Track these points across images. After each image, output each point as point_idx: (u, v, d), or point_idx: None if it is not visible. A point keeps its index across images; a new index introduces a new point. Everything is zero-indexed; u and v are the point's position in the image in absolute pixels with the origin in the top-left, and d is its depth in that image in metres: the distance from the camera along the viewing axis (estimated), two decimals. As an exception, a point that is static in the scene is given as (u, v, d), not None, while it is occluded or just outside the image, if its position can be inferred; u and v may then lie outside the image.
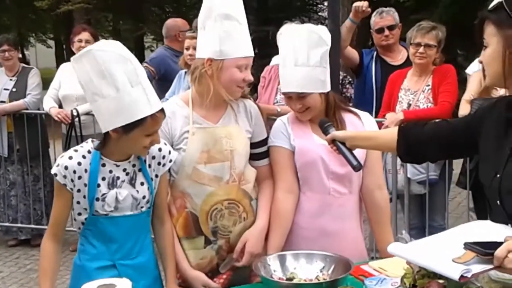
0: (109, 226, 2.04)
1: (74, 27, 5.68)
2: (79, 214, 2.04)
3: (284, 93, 2.34)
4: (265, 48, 5.12)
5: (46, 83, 5.41)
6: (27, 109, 5.14)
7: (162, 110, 1.99)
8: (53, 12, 14.55)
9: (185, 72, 4.30)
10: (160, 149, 2.12)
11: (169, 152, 2.15)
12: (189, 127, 2.22)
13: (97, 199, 2.00)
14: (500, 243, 1.44)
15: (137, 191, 2.06)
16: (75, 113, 4.67)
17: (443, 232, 1.72)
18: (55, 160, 2.06)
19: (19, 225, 5.27)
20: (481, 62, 1.70)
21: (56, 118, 4.85)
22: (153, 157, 2.12)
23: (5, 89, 5.19)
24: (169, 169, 2.19)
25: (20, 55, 5.52)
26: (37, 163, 5.25)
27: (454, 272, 1.42)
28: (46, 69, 15.54)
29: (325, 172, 2.29)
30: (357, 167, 2.09)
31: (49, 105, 4.93)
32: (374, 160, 2.38)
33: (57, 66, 14.39)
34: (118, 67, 1.90)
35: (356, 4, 4.15)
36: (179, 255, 2.23)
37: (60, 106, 4.94)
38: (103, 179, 2.02)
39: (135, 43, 18.09)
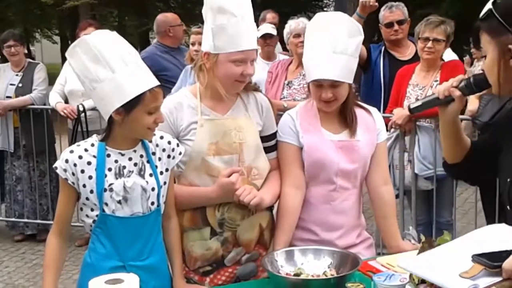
0: (119, 226, 2.02)
1: (80, 23, 5.68)
2: (92, 210, 2.03)
3: (316, 81, 2.22)
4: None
5: (51, 78, 5.42)
6: (33, 104, 5.15)
7: (160, 86, 2.00)
8: (58, 8, 14.57)
9: (191, 68, 4.29)
10: (169, 142, 2.12)
11: (177, 145, 2.15)
12: (198, 118, 2.21)
13: (105, 190, 1.99)
14: (510, 252, 1.40)
15: (147, 182, 2.04)
16: (81, 108, 4.67)
17: (456, 240, 1.68)
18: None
19: (25, 220, 5.28)
20: (482, 70, 1.68)
21: (62, 113, 4.86)
22: (164, 150, 2.11)
23: (11, 84, 5.20)
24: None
25: (26, 51, 5.52)
26: (43, 158, 5.26)
27: None
28: (52, 65, 15.56)
29: (333, 170, 2.27)
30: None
31: (55, 100, 4.93)
32: (380, 155, 2.36)
33: (63, 62, 14.40)
34: (110, 49, 1.94)
35: (363, -1, 4.12)
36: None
37: (66, 102, 4.95)
38: (109, 169, 2.01)
39: (140, 39, 18.10)
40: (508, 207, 1.61)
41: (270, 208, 2.38)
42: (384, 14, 4.37)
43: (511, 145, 1.65)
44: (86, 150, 2.01)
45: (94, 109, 4.63)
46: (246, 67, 2.17)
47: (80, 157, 2.00)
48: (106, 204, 2.00)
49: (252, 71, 2.20)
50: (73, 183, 2.00)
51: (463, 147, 1.83)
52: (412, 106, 1.87)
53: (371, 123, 2.33)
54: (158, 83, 2.00)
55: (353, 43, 2.21)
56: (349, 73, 2.23)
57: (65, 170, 1.99)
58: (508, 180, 1.60)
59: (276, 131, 2.35)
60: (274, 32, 4.91)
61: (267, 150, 2.33)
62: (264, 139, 2.30)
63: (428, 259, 1.60)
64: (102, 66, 1.93)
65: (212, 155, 2.19)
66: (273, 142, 2.33)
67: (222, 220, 2.24)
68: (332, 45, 2.18)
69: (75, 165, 1.99)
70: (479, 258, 1.45)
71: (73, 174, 1.99)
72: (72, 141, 4.72)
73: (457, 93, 1.73)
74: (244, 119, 2.26)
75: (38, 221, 5.26)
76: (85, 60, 1.95)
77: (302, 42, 4.11)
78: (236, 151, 2.21)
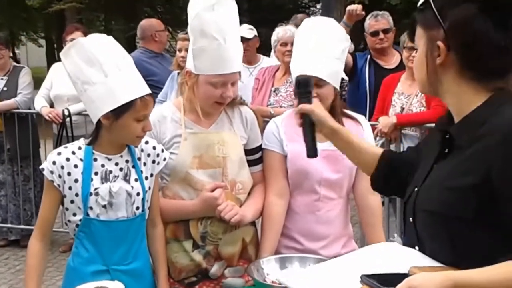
0: (102, 230, 2.02)
1: (67, 27, 5.65)
2: (74, 214, 2.02)
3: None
4: (257, 50, 5.07)
5: (36, 82, 5.38)
6: (18, 108, 5.11)
7: (151, 95, 2.00)
8: (44, 11, 14.48)
9: (178, 73, 4.28)
10: (154, 147, 2.13)
11: (162, 151, 2.15)
12: (181, 131, 2.20)
13: (90, 194, 1.99)
14: (403, 276, 1.28)
15: (132, 187, 2.04)
16: (66, 113, 4.64)
17: (348, 255, 1.57)
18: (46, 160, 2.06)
19: (9, 225, 5.23)
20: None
21: (47, 118, 4.82)
22: (148, 155, 2.11)
23: (-4, 88, 5.16)
24: (161, 173, 2.18)
25: (11, 54, 5.48)
26: (27, 163, 5.21)
27: None
28: (37, 68, 15.46)
29: (317, 179, 2.28)
30: (311, 156, 1.81)
31: (40, 104, 4.90)
32: None
33: (48, 65, 14.27)
34: (105, 53, 1.95)
35: (350, 7, 4.16)
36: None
37: (52, 106, 4.91)
38: (96, 173, 2.01)
39: (127, 43, 18.02)
40: (410, 218, 1.48)
41: (254, 223, 2.38)
42: (370, 23, 4.40)
43: (425, 159, 1.53)
44: (73, 153, 2.01)
45: (79, 114, 4.62)
46: (226, 90, 2.14)
47: (68, 159, 1.99)
48: (91, 208, 2.00)
49: (232, 93, 2.17)
50: (58, 185, 1.99)
51: (364, 160, 1.76)
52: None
53: (359, 132, 2.32)
54: (149, 91, 2.00)
55: (339, 47, 2.26)
56: (333, 75, 2.24)
57: (51, 172, 1.98)
58: (416, 189, 1.48)
59: (261, 144, 2.34)
60: (251, 35, 4.75)
61: (252, 163, 2.32)
62: (248, 152, 2.30)
63: (313, 275, 1.49)
64: (96, 69, 1.93)
65: (195, 169, 2.19)
66: (258, 155, 2.33)
67: (204, 233, 2.23)
68: (317, 45, 2.22)
69: (62, 167, 1.98)
70: (368, 279, 1.33)
71: (59, 176, 1.98)
72: (57, 146, 4.66)
73: (305, 108, 1.75)
74: (229, 133, 2.25)
75: (22, 226, 5.20)
76: (79, 62, 1.95)
77: (289, 51, 4.15)
78: (219, 165, 2.21)
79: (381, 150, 1.79)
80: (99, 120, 1.98)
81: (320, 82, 2.20)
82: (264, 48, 5.31)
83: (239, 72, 2.22)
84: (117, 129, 1.98)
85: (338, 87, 2.29)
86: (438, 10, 1.38)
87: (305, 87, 1.81)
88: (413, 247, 1.47)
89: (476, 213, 1.31)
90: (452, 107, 1.45)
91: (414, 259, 1.40)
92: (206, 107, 2.20)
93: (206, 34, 2.09)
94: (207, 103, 2.19)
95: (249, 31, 4.82)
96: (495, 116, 1.33)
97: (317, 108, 1.77)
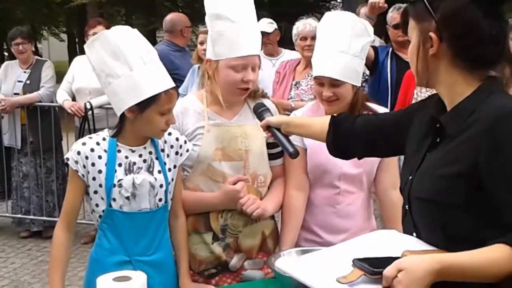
0: (125, 221, 2.03)
1: (89, 21, 5.69)
2: (97, 205, 2.04)
3: (316, 78, 2.23)
4: (278, 44, 5.07)
5: (58, 76, 5.44)
6: (40, 101, 5.17)
7: (175, 88, 2.00)
8: (66, 6, 14.59)
9: (199, 67, 4.29)
10: (177, 139, 2.13)
11: (185, 142, 2.15)
12: (204, 123, 2.20)
13: (114, 185, 2.00)
14: (394, 259, 1.31)
15: (155, 178, 2.05)
16: (88, 106, 4.68)
17: (344, 243, 1.57)
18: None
19: (32, 217, 5.30)
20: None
21: (69, 111, 4.86)
22: (172, 146, 2.11)
23: (19, 81, 5.22)
24: (183, 165, 2.18)
25: (34, 48, 5.54)
26: (50, 155, 5.27)
27: None
28: (59, 62, 15.58)
29: (336, 174, 2.26)
30: (294, 155, 1.96)
31: (62, 98, 4.94)
32: (390, 158, 2.31)
33: (70, 60, 14.38)
34: (130, 46, 1.94)
35: (372, 0, 4.11)
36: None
37: (74, 99, 4.95)
38: (120, 165, 2.02)
39: (148, 38, 18.09)
40: (406, 206, 1.52)
41: (273, 217, 2.37)
42: (392, 16, 4.36)
43: (414, 145, 1.57)
44: (98, 143, 2.02)
45: (101, 107, 4.65)
46: (247, 73, 2.14)
47: (92, 150, 2.00)
48: (114, 200, 2.01)
49: (253, 77, 2.16)
50: (83, 175, 2.00)
51: (318, 135, 1.90)
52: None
53: None
54: (173, 84, 2.00)
55: (358, 43, 2.19)
56: (351, 73, 2.19)
57: (76, 162, 1.99)
58: (410, 177, 1.52)
59: None
60: (271, 28, 4.80)
61: (273, 156, 2.31)
62: (270, 145, 2.28)
63: (309, 261, 1.50)
64: (120, 62, 1.93)
65: (218, 160, 2.19)
66: (279, 149, 2.30)
67: (225, 226, 2.23)
68: (334, 43, 2.17)
69: (86, 157, 1.99)
70: (359, 263, 1.34)
71: (84, 166, 1.99)
72: (79, 138, 4.72)
73: (262, 124, 2.02)
74: (251, 126, 2.24)
75: (44, 218, 5.27)
76: (103, 55, 1.95)
77: (308, 45, 4.14)
78: (241, 158, 2.20)
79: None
80: (123, 113, 1.99)
81: (335, 82, 2.18)
82: (286, 42, 5.30)
83: (259, 58, 2.20)
84: (141, 123, 1.98)
85: (358, 84, 2.24)
86: (429, 2, 1.42)
87: (257, 110, 2.10)
88: (411, 235, 1.50)
89: (466, 199, 1.36)
90: (444, 97, 1.49)
91: (410, 244, 1.43)
92: (228, 94, 2.19)
93: (221, 17, 2.11)
94: (229, 89, 2.17)
95: (269, 25, 4.84)
96: (483, 105, 1.38)
97: (270, 120, 2.02)
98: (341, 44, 2.17)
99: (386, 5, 4.09)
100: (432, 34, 1.42)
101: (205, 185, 2.21)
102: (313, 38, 4.01)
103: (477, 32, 1.39)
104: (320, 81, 2.22)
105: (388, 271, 1.28)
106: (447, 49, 1.42)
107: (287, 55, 4.85)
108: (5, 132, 5.29)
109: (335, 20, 2.24)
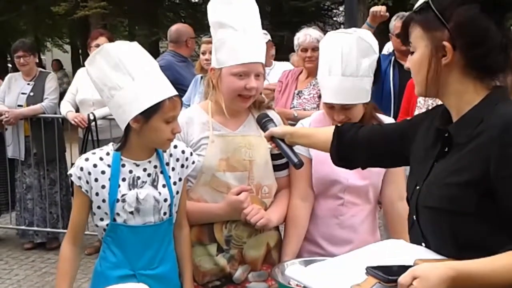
0: (129, 235, 2.02)
1: (92, 32, 5.71)
2: (101, 219, 2.03)
3: (326, 103, 2.21)
4: (280, 53, 5.07)
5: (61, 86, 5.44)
6: (44, 113, 5.18)
7: (178, 96, 2.01)
8: (69, 17, 14.68)
9: (201, 77, 4.30)
10: (183, 151, 2.12)
11: (191, 154, 2.14)
12: (209, 133, 2.20)
13: (117, 200, 1.99)
14: (407, 268, 1.31)
15: (159, 193, 2.04)
16: (91, 117, 4.69)
17: (352, 252, 1.56)
18: (71, 164, 2.08)
19: (35, 228, 5.30)
20: (408, 69, 1.59)
21: (73, 122, 4.88)
22: (177, 160, 2.11)
23: (22, 93, 5.24)
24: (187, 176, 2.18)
25: (37, 60, 5.56)
26: (53, 167, 5.28)
27: None
28: (62, 74, 15.63)
29: (342, 185, 2.25)
30: (298, 165, 1.97)
31: (66, 109, 4.96)
32: (396, 169, 2.28)
33: (73, 71, 14.41)
34: (131, 57, 1.95)
35: (374, 8, 4.13)
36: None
37: (77, 111, 4.97)
38: (123, 179, 2.01)
39: (150, 49, 18.18)
40: (414, 216, 1.52)
41: (278, 228, 2.36)
42: (395, 24, 4.36)
43: (421, 154, 1.56)
44: (101, 159, 2.02)
45: (104, 118, 4.66)
46: (249, 80, 2.12)
47: (95, 165, 2.00)
48: (118, 214, 2.00)
49: (256, 85, 2.14)
50: (86, 191, 2.00)
51: (322, 145, 1.91)
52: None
53: None
54: (176, 93, 2.00)
55: (365, 62, 2.14)
56: (361, 94, 2.16)
57: (79, 178, 1.99)
58: (417, 187, 1.51)
59: None
60: (264, 39, 4.81)
61: (279, 167, 2.30)
62: (275, 156, 2.26)
63: (320, 270, 1.50)
64: (122, 73, 1.93)
65: (222, 171, 2.18)
66: (284, 160, 2.26)
67: (229, 237, 2.21)
68: (341, 67, 2.13)
69: (89, 173, 1.99)
70: (373, 271, 1.34)
71: (87, 182, 1.99)
72: (83, 150, 4.74)
73: (266, 135, 2.04)
74: (255, 136, 2.23)
75: (48, 229, 5.27)
76: (105, 68, 1.95)
77: (309, 57, 4.14)
78: (245, 168, 2.19)
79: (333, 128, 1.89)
80: (128, 125, 1.98)
81: (347, 106, 2.16)
82: (286, 51, 5.31)
83: (263, 66, 2.19)
84: (147, 132, 1.98)
85: (368, 100, 2.20)
86: (439, 11, 1.42)
87: (260, 121, 2.11)
88: (420, 245, 1.50)
89: (477, 207, 1.36)
90: (452, 107, 1.48)
91: (420, 253, 1.43)
92: (231, 102, 2.18)
93: (224, 25, 2.11)
94: (232, 97, 2.16)
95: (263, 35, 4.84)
96: (491, 114, 1.38)
97: (274, 130, 2.03)
98: (349, 68, 2.12)
99: (387, 14, 4.11)
100: (446, 43, 1.41)
101: (209, 196, 2.20)
102: (314, 49, 4.02)
103: (489, 40, 1.40)
104: (331, 105, 2.20)
105: (403, 278, 1.28)
106: (460, 58, 1.41)
107: (277, 67, 4.83)
108: (9, 144, 5.31)
109: (339, 41, 2.16)
